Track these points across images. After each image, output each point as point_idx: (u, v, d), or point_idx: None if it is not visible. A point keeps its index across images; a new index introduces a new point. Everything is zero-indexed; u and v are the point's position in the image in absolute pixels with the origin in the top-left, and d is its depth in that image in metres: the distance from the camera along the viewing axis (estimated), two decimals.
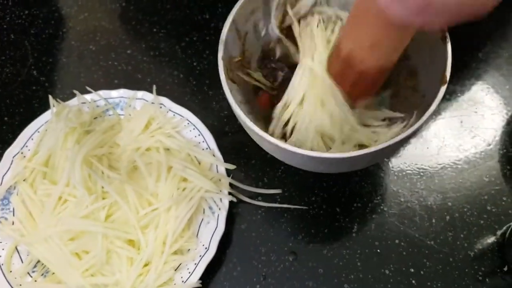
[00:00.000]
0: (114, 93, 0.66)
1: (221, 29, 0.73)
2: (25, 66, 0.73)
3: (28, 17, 0.77)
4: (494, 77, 0.68)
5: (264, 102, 0.59)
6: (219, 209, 0.58)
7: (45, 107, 0.66)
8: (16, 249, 0.58)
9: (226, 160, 0.63)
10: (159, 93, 0.67)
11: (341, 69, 0.52)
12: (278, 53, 0.60)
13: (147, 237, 0.57)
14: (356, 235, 0.60)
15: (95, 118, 0.65)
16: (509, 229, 0.57)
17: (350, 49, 0.49)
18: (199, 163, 0.62)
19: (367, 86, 0.53)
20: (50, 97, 0.64)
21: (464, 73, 0.68)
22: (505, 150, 0.63)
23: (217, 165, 0.61)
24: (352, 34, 0.49)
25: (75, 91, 0.66)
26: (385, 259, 0.58)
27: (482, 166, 0.62)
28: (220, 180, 0.60)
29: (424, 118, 0.46)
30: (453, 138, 0.64)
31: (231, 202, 0.59)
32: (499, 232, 0.59)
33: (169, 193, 0.58)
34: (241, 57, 0.56)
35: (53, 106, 0.64)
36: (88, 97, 0.66)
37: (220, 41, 0.53)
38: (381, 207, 0.61)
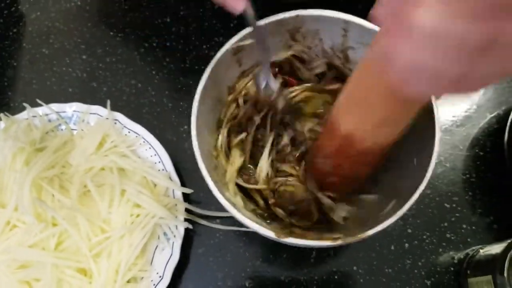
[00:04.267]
0: (67, 107, 0.63)
1: (183, 34, 0.70)
2: None
3: None
4: (459, 97, 0.66)
5: None
6: (174, 236, 0.57)
7: None
8: None
9: (184, 179, 0.61)
10: (115, 103, 0.64)
11: (337, 147, 0.47)
12: None
13: (99, 265, 0.55)
14: (315, 261, 0.59)
15: (47, 132, 0.62)
16: (467, 257, 0.57)
17: (348, 128, 0.44)
18: (155, 186, 0.60)
19: (366, 165, 0.49)
20: None
21: None
22: (468, 176, 0.62)
23: (173, 189, 0.59)
24: (350, 113, 0.44)
25: (25, 105, 0.62)
26: (342, 286, 0.58)
27: (444, 191, 0.61)
28: (176, 205, 0.58)
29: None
30: None
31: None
32: (456, 261, 0.58)
33: (122, 220, 0.56)
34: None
35: (1, 120, 0.61)
36: (39, 110, 0.63)
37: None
38: None
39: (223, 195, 0.45)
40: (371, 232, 0.43)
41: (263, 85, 0.51)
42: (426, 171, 0.44)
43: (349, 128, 0.44)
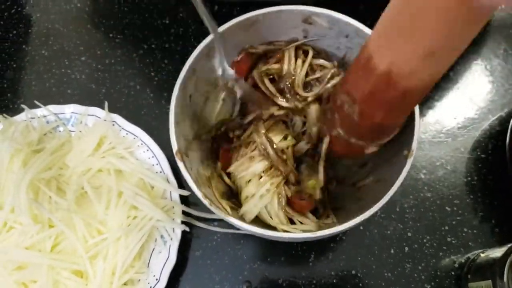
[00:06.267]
0: (65, 108, 0.63)
1: (182, 35, 0.69)
2: None
3: None
4: (462, 99, 0.65)
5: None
6: (171, 239, 0.56)
7: None
8: None
9: (182, 181, 0.61)
10: (113, 105, 0.64)
11: (371, 90, 0.40)
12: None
13: (95, 267, 0.55)
14: (313, 265, 0.58)
15: (45, 134, 0.62)
16: (468, 262, 0.56)
17: (391, 62, 0.37)
18: (152, 188, 0.59)
19: (405, 110, 0.43)
20: None
21: (433, 93, 0.65)
22: (469, 178, 0.61)
23: (170, 191, 0.59)
24: (391, 45, 0.37)
25: (23, 106, 0.62)
26: None
27: (445, 194, 0.60)
28: (173, 207, 0.58)
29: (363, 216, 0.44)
30: (417, 164, 0.62)
31: None
32: (457, 265, 0.57)
33: (119, 222, 0.56)
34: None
35: None
36: (38, 111, 0.63)
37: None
38: (340, 235, 0.59)
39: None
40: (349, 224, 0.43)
41: (219, 71, 0.52)
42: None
43: (388, 64, 0.37)
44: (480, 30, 0.34)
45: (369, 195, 0.47)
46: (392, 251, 0.58)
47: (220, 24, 0.49)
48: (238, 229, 0.59)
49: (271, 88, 0.54)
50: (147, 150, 0.61)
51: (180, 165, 0.46)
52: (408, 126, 0.46)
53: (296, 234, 0.45)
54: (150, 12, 0.71)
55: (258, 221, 0.52)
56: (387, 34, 0.38)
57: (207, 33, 0.49)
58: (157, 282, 0.55)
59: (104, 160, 0.59)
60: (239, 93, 0.53)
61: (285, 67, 0.54)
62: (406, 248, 0.58)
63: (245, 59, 0.55)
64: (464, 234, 0.59)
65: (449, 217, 0.59)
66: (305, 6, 0.50)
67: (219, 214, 0.46)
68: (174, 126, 0.48)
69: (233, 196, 0.55)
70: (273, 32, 0.54)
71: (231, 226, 0.59)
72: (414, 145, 0.45)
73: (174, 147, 0.47)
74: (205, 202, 0.46)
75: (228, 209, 0.50)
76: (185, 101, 0.51)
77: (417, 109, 0.45)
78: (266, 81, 0.55)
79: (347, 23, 0.50)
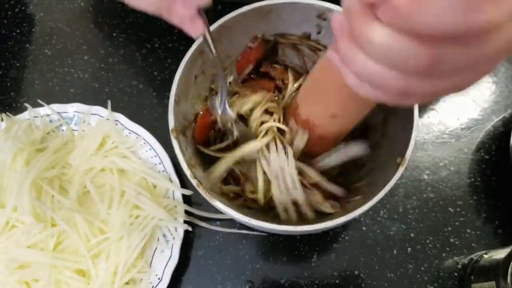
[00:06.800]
0: (68, 107, 0.63)
1: (185, 34, 0.69)
2: None
3: None
4: (465, 100, 0.65)
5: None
6: (174, 238, 0.56)
7: None
8: None
9: (184, 181, 0.61)
10: (116, 105, 0.64)
11: (299, 125, 0.51)
12: None
13: (97, 266, 0.55)
14: (315, 265, 0.58)
15: (48, 133, 0.62)
16: (471, 263, 0.56)
17: (309, 115, 0.48)
18: (155, 187, 0.59)
19: (326, 145, 0.52)
20: None
21: None
22: (472, 179, 0.61)
23: (173, 190, 0.59)
24: (312, 101, 0.48)
25: (26, 105, 0.62)
26: None
27: (448, 195, 0.60)
28: (175, 206, 0.58)
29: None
30: (420, 164, 0.62)
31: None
32: (460, 266, 0.57)
33: (121, 221, 0.56)
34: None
35: (2, 121, 0.61)
36: (41, 110, 0.63)
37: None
38: (342, 235, 0.59)
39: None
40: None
41: (219, 110, 0.53)
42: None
43: (308, 116, 0.48)
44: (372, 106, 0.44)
45: (360, 198, 0.47)
46: (395, 251, 0.58)
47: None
48: (240, 229, 0.59)
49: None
50: (150, 149, 0.61)
51: (174, 143, 0.47)
52: (405, 135, 0.46)
53: (275, 225, 0.44)
54: None
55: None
56: (306, 95, 0.49)
57: None
58: (160, 282, 0.55)
59: (107, 159, 0.59)
60: (236, 134, 0.54)
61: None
62: (409, 249, 0.58)
63: (259, 47, 0.56)
64: (467, 235, 0.58)
65: (452, 218, 0.59)
66: (321, 1, 0.51)
67: (206, 196, 0.45)
68: (173, 103, 0.49)
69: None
70: (286, 24, 0.54)
71: (233, 225, 0.60)
72: (408, 154, 0.45)
73: (171, 124, 0.48)
74: (193, 182, 0.46)
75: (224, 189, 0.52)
76: (189, 80, 0.52)
77: (416, 117, 0.45)
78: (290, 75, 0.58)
79: None
